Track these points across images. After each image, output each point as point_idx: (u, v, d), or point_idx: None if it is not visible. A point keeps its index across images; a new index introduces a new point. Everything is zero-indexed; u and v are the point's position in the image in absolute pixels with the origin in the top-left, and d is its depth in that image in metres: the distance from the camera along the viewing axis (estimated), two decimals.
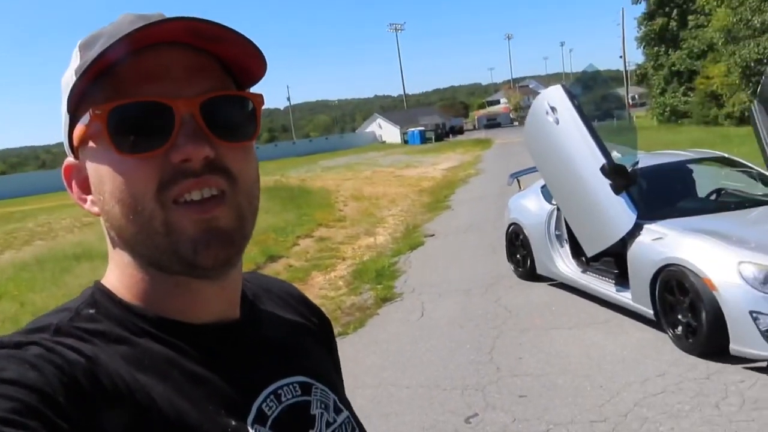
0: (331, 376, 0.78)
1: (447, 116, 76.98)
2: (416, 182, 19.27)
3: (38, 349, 0.53)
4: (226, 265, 0.60)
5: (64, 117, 0.62)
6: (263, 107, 0.65)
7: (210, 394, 0.60)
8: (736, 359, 3.85)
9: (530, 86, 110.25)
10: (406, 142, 55.48)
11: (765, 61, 18.44)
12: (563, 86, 5.30)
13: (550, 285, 6.13)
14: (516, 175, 7.25)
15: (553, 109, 5.11)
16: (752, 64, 19.17)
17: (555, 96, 5.17)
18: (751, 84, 20.15)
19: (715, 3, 24.28)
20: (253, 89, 0.66)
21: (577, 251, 5.71)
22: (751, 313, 3.69)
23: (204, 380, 0.60)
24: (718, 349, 3.91)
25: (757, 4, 18.14)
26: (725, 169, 5.82)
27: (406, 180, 20.13)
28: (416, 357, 4.74)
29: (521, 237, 6.48)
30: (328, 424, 0.70)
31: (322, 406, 0.71)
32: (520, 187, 7.15)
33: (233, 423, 0.60)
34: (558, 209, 5.88)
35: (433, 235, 9.83)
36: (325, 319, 0.87)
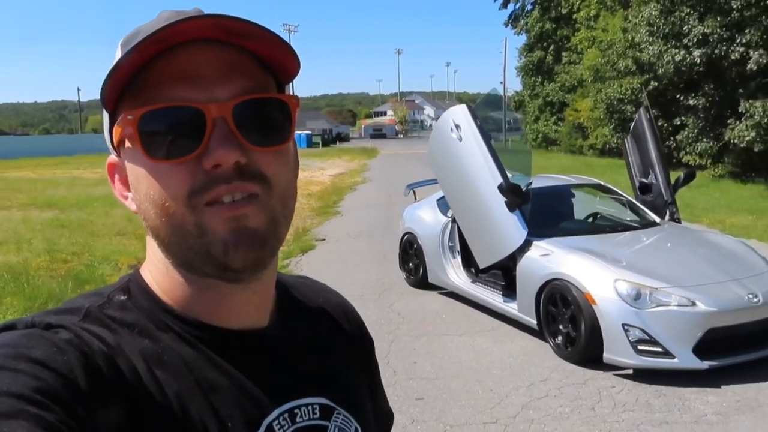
0: (360, 402, 0.74)
1: (334, 122, 77.37)
2: (304, 186, 19.15)
3: (67, 334, 0.54)
4: (257, 266, 0.59)
5: (104, 115, 0.62)
6: None
7: (222, 402, 0.59)
8: (608, 367, 4.28)
9: (416, 101, 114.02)
10: None
11: (626, 100, 20.52)
12: (468, 106, 5.60)
13: (440, 293, 6.40)
14: (412, 186, 7.49)
15: (457, 126, 5.38)
16: (615, 102, 21.23)
17: (460, 114, 5.44)
18: (613, 120, 22.34)
19: (586, 44, 26.70)
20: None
21: (468, 262, 6.03)
22: (623, 325, 4.13)
23: (218, 387, 0.60)
24: (593, 358, 4.33)
25: (622, 50, 20.17)
26: (600, 195, 6.44)
27: None
28: None
29: (415, 246, 6.71)
30: None
31: None
32: (415, 198, 7.40)
33: None
34: (452, 221, 6.17)
35: (324, 240, 9.85)
36: (368, 339, 0.84)
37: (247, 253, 0.57)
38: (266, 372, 0.64)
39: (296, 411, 0.64)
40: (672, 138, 18.59)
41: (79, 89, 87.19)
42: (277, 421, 0.62)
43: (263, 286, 0.65)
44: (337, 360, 0.74)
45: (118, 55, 0.60)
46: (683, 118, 17.83)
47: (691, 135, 16.70)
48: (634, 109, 20.10)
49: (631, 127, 6.39)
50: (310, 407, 0.66)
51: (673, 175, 6.13)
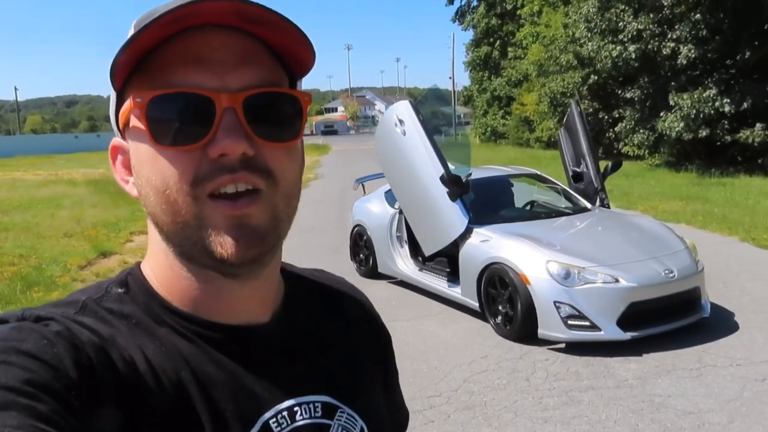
0: (369, 400, 0.72)
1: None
2: None
3: (56, 326, 0.54)
4: (255, 263, 0.58)
5: (112, 95, 0.62)
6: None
7: (218, 397, 0.58)
8: (544, 342, 4.63)
9: (367, 97, 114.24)
10: None
11: (568, 94, 21.30)
12: (411, 102, 5.86)
13: (390, 282, 6.65)
14: (361, 180, 7.72)
15: (401, 121, 5.63)
16: (558, 96, 22.02)
17: (403, 110, 5.70)
18: (557, 113, 23.13)
19: (530, 39, 27.49)
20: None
21: (415, 251, 6.30)
22: (554, 303, 4.48)
23: (215, 382, 0.59)
24: (529, 334, 4.66)
25: (563, 45, 20.92)
26: (537, 184, 6.83)
27: None
28: None
29: (365, 238, 6.94)
30: None
31: None
32: (364, 192, 7.62)
33: None
34: (400, 212, 6.43)
35: None
36: (384, 334, 0.83)
37: (246, 249, 0.56)
38: (266, 369, 0.63)
39: (296, 409, 0.63)
40: (611, 129, 19.45)
41: (16, 88, 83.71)
42: (274, 419, 0.61)
43: (264, 284, 0.64)
44: (347, 356, 0.72)
45: (131, 34, 0.57)
46: (621, 110, 18.67)
47: (628, 126, 17.51)
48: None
49: (564, 120, 6.79)
50: (311, 405, 0.64)
51: (603, 165, 6.56)
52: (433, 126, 6.75)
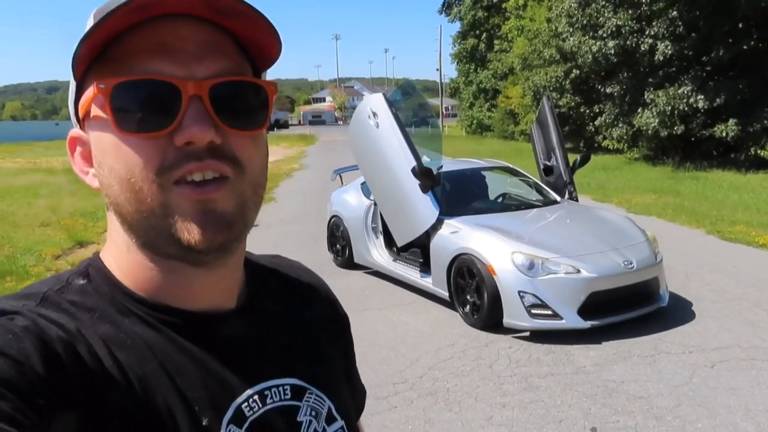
0: (334, 381, 0.74)
1: (273, 109, 76.31)
2: None
3: (23, 320, 0.53)
4: (221, 250, 0.58)
5: (71, 85, 0.61)
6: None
7: (188, 385, 0.58)
8: (509, 330, 4.78)
9: (355, 87, 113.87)
10: None
11: (551, 87, 21.48)
12: (384, 95, 5.96)
13: (366, 273, 6.78)
14: (339, 172, 7.83)
15: (374, 114, 5.73)
16: (541, 90, 22.17)
17: (377, 103, 5.80)
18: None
19: (516, 32, 27.63)
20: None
21: (390, 242, 6.42)
22: (519, 292, 4.63)
23: (184, 370, 0.59)
24: (495, 323, 4.81)
25: (547, 39, 21.09)
26: (510, 177, 6.97)
27: None
28: None
29: (341, 228, 7.06)
30: None
31: (312, 413, 0.67)
32: (342, 183, 7.73)
33: (205, 420, 0.58)
34: (375, 204, 6.54)
35: (256, 225, 9.96)
36: (342, 317, 0.85)
37: (213, 235, 0.56)
38: (234, 354, 0.63)
39: (266, 392, 0.64)
40: (592, 123, 19.68)
41: None
42: (246, 403, 0.61)
43: (230, 272, 0.64)
44: (310, 339, 0.73)
45: (90, 24, 0.56)
46: (602, 105, 18.90)
47: (608, 120, 17.74)
48: (558, 96, 21.12)
49: (536, 114, 6.94)
50: (281, 388, 0.65)
51: (572, 158, 6.72)
52: (409, 118, 6.85)
